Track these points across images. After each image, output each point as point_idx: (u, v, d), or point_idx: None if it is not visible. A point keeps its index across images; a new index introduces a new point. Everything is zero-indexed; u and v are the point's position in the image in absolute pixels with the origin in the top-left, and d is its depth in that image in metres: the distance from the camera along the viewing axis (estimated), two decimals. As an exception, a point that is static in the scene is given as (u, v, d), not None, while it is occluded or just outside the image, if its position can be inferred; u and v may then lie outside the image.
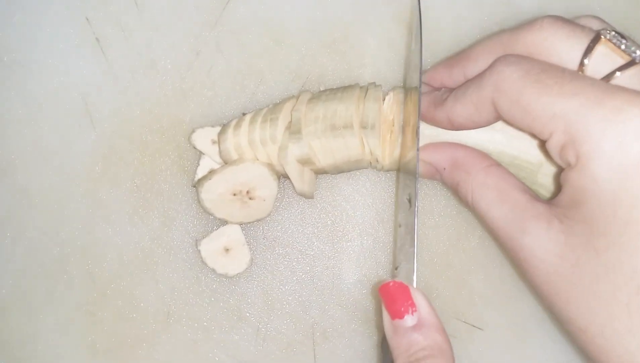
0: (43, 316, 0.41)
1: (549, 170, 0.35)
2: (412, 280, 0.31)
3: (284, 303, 0.41)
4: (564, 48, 0.29)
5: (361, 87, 0.39)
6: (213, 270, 0.40)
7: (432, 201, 0.41)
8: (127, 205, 0.41)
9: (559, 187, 0.30)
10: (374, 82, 0.40)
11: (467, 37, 0.41)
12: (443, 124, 0.34)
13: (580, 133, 0.27)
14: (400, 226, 0.37)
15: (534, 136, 0.30)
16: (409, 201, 0.34)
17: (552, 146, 0.29)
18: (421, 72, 0.34)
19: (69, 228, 0.42)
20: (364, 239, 0.41)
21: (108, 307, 0.41)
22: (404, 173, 0.36)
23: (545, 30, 0.30)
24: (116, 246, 0.41)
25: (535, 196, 0.32)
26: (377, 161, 0.38)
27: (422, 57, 0.33)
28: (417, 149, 0.32)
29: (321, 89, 0.41)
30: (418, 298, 0.31)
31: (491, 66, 0.30)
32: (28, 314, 0.41)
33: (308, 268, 0.41)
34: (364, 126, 0.36)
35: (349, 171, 0.40)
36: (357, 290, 0.41)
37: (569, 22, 0.30)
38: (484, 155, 0.35)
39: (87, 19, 0.42)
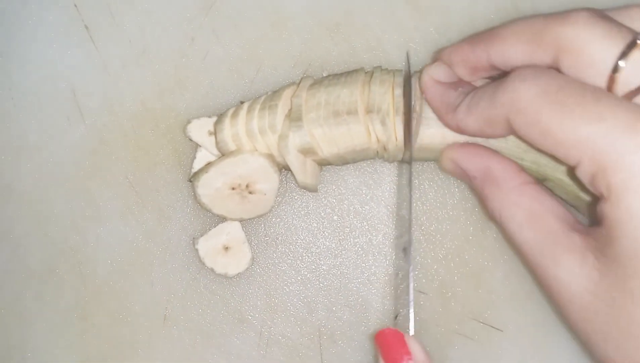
0: (32, 322, 0.41)
1: None
2: (409, 328, 0.33)
3: (288, 304, 0.41)
4: (598, 48, 0.27)
5: (367, 72, 0.38)
6: (212, 270, 0.40)
7: (445, 193, 0.40)
8: (120, 202, 0.41)
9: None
10: (380, 66, 0.39)
11: (482, 17, 0.40)
12: (453, 131, 0.34)
13: (610, 162, 0.25)
14: (398, 274, 0.38)
15: (559, 161, 0.29)
16: (404, 250, 0.35)
17: (582, 174, 0.27)
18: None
19: (57, 227, 0.41)
20: (373, 235, 0.41)
21: (101, 311, 0.41)
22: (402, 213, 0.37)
23: (580, 26, 0.28)
24: (108, 246, 0.41)
25: (572, 223, 0.30)
26: (385, 149, 0.37)
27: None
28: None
29: (324, 75, 0.41)
30: (413, 346, 0.31)
31: (505, 81, 0.29)
32: (16, 319, 0.41)
33: (313, 267, 0.41)
34: (369, 111, 0.36)
35: (354, 161, 0.39)
36: (366, 290, 0.40)
37: (607, 19, 0.28)
38: (519, 170, 0.33)
39: (76, 5, 0.42)
